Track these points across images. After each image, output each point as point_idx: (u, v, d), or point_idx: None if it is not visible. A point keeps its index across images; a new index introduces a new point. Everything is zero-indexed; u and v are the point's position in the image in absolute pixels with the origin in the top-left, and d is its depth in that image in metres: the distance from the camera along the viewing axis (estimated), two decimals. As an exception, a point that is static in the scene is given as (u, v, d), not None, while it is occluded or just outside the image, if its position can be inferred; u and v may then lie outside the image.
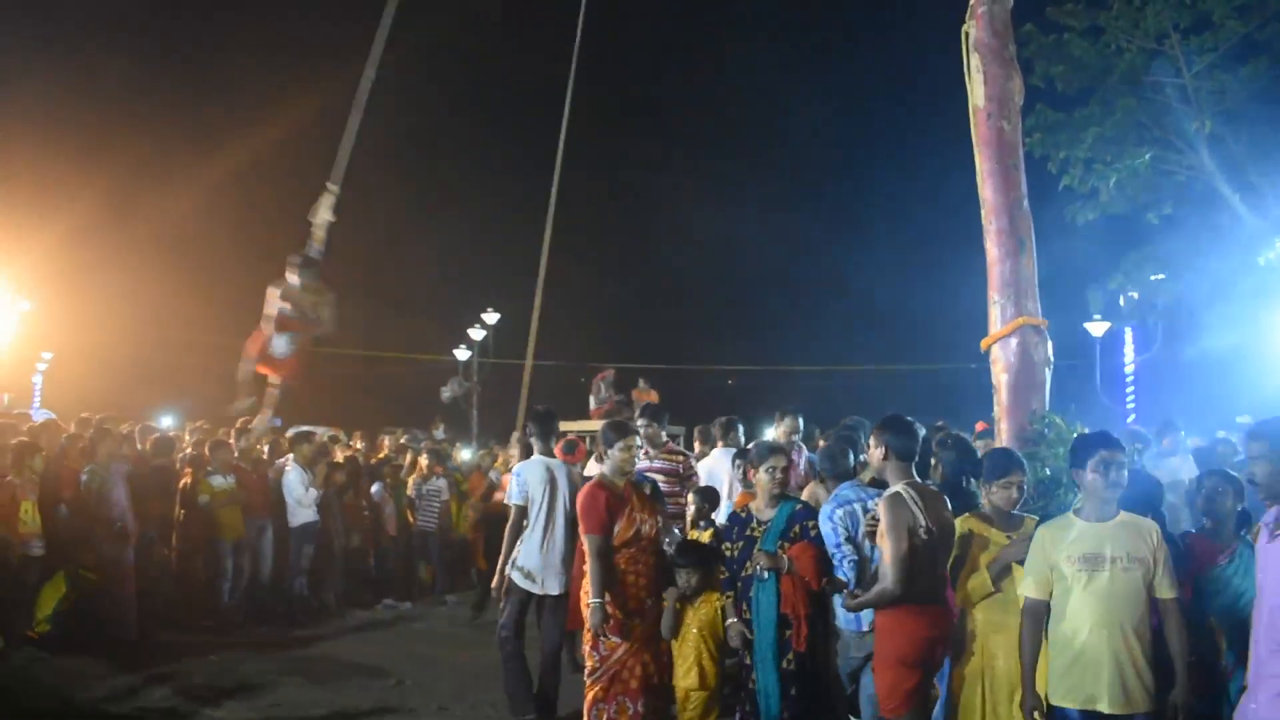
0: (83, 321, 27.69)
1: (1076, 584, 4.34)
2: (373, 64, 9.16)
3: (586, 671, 5.91)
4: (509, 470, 8.33)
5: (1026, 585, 4.51)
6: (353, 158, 9.37)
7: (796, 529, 5.35)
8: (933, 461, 5.97)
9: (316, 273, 8.99)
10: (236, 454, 10.54)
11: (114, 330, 29.93)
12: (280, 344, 8.89)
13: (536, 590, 6.85)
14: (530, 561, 6.84)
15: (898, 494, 4.77)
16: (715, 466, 8.13)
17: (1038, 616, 4.47)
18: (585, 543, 5.91)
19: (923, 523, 4.69)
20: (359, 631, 10.29)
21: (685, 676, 5.78)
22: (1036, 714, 4.38)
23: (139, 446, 10.39)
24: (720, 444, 8.43)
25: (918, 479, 4.94)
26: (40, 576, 8.54)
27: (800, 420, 8.04)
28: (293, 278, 8.91)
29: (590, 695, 5.83)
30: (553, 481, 6.92)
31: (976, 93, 7.43)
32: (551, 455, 7.11)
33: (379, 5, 9.31)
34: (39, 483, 8.58)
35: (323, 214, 9.12)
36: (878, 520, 4.88)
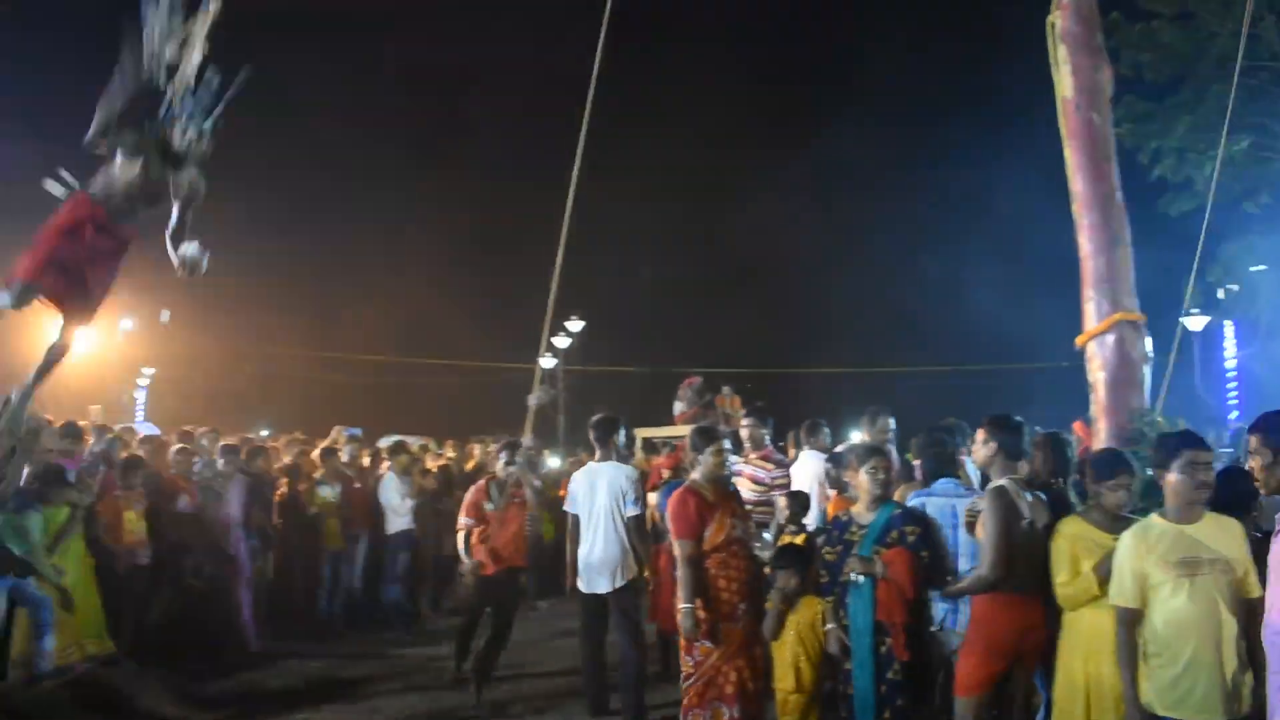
0: (181, 337, 28.55)
1: (1179, 589, 4.20)
2: None
3: (682, 678, 5.92)
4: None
5: (1120, 593, 4.35)
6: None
7: (894, 534, 5.24)
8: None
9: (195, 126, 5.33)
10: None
11: (210, 345, 30.82)
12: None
13: (585, 589, 7.15)
14: (580, 563, 7.17)
15: (1002, 486, 4.93)
16: (801, 470, 8.04)
17: (1133, 626, 4.33)
18: (676, 548, 5.91)
19: (1026, 516, 4.82)
20: (453, 637, 10.41)
21: (783, 679, 5.76)
22: None
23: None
24: (806, 447, 8.36)
25: (1022, 479, 5.05)
26: (148, 585, 8.84)
27: (891, 420, 7.91)
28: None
29: (686, 701, 5.83)
30: (593, 486, 7.17)
31: (1064, 84, 7.26)
32: (608, 460, 7.32)
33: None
34: (144, 494, 8.90)
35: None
36: (978, 513, 4.92)
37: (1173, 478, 4.31)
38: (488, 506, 8.11)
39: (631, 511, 7.10)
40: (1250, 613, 4.19)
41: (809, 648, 5.72)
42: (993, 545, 4.81)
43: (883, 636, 5.17)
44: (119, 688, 7.51)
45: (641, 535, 7.18)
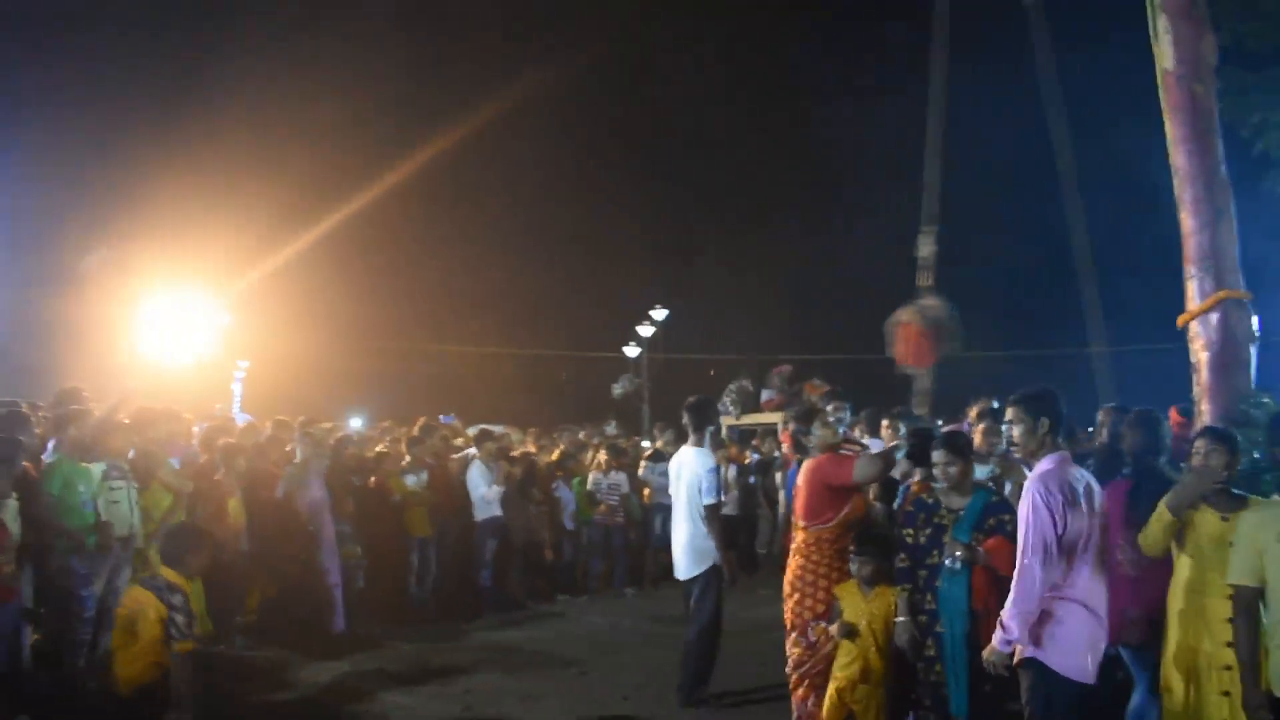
0: (275, 330, 29.15)
1: None
2: None
3: (792, 663, 5.91)
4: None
5: (1239, 571, 4.25)
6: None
7: (991, 521, 5.15)
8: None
9: None
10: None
11: (303, 337, 31.44)
12: None
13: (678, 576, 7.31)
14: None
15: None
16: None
17: (1251, 604, 4.22)
18: (855, 471, 6.03)
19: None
20: (541, 623, 10.53)
21: (848, 667, 5.68)
22: (1263, 713, 4.13)
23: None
24: (880, 434, 8.23)
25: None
26: (247, 570, 9.06)
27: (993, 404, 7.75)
28: None
29: (800, 690, 5.84)
30: (678, 472, 7.32)
31: (1165, 55, 7.02)
32: (699, 445, 7.30)
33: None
34: (243, 482, 9.12)
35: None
36: None
37: None
38: None
39: (706, 500, 7.06)
40: None
41: (880, 639, 5.64)
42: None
43: (975, 623, 5.08)
44: (222, 669, 7.73)
45: (713, 525, 7.08)
